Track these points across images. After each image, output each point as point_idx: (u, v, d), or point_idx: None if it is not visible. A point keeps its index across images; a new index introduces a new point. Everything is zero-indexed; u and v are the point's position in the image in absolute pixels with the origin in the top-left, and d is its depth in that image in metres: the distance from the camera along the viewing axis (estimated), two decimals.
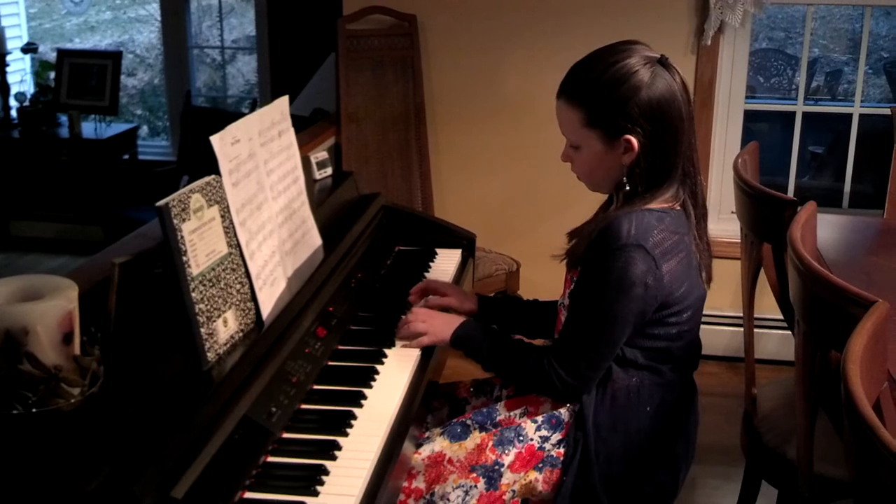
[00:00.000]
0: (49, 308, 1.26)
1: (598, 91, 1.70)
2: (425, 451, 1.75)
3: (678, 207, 1.73)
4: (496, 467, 1.72)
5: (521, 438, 1.75)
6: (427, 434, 1.80)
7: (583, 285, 1.73)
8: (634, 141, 1.69)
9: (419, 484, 1.72)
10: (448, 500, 1.68)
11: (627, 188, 1.72)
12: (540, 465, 1.74)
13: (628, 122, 1.68)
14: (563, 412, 1.76)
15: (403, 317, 1.91)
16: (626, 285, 1.63)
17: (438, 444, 1.76)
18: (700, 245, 1.76)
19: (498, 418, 1.81)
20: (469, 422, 1.79)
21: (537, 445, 1.74)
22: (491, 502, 1.70)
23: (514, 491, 1.73)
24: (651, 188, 1.72)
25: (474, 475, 1.71)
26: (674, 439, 1.79)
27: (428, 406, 1.90)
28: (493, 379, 1.99)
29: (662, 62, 1.71)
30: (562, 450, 1.74)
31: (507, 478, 1.72)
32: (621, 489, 1.73)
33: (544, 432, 1.75)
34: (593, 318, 1.69)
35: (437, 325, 1.87)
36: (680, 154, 1.72)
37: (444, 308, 2.00)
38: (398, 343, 1.87)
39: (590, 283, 1.70)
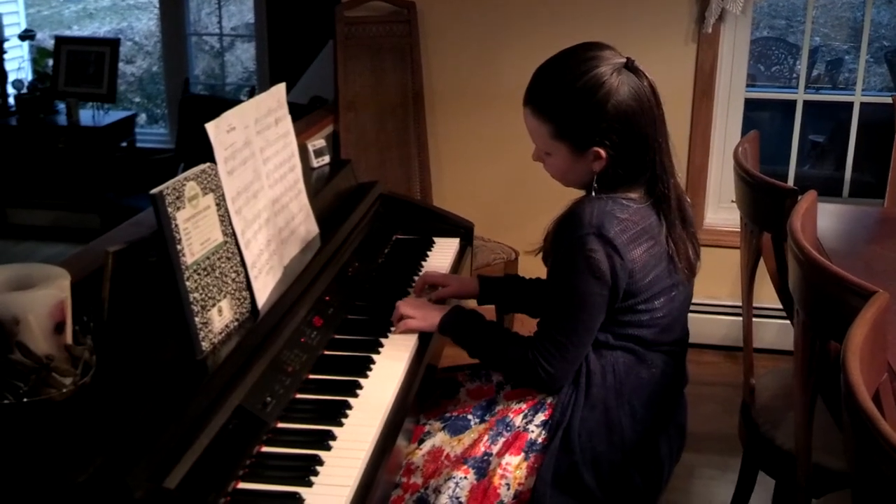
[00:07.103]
0: (40, 297, 1.25)
1: (566, 105, 1.69)
2: (426, 446, 1.75)
3: (647, 204, 1.73)
4: (486, 457, 1.72)
5: (510, 428, 1.75)
6: (427, 428, 1.79)
7: (552, 275, 1.75)
8: (603, 152, 1.69)
9: (417, 479, 1.72)
10: (440, 492, 1.68)
11: (594, 193, 1.73)
12: (526, 450, 1.73)
13: (596, 135, 1.68)
14: (546, 396, 1.76)
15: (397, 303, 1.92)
16: (589, 272, 1.64)
17: (439, 438, 1.76)
18: (675, 247, 1.73)
19: (497, 409, 1.80)
20: (470, 416, 1.79)
21: (522, 429, 1.75)
22: (482, 492, 1.69)
23: (504, 479, 1.71)
24: (619, 187, 1.72)
25: (465, 467, 1.70)
26: (659, 424, 1.78)
27: (427, 393, 1.89)
28: None
29: (630, 67, 1.69)
30: (546, 434, 1.74)
31: (496, 466, 1.71)
32: (607, 475, 1.72)
33: (529, 417, 1.76)
34: (565, 306, 1.70)
35: (426, 311, 1.89)
36: (649, 159, 1.71)
37: (445, 299, 2.02)
38: (393, 330, 1.88)
39: (557, 271, 1.72)
